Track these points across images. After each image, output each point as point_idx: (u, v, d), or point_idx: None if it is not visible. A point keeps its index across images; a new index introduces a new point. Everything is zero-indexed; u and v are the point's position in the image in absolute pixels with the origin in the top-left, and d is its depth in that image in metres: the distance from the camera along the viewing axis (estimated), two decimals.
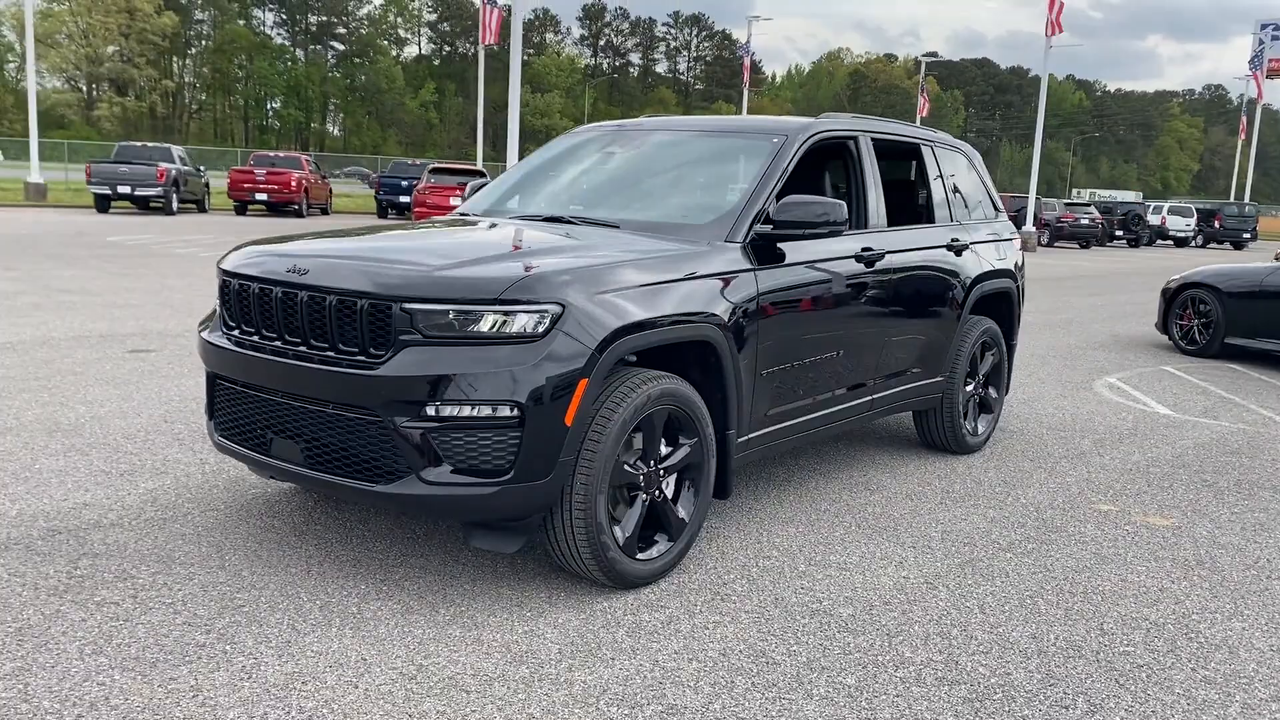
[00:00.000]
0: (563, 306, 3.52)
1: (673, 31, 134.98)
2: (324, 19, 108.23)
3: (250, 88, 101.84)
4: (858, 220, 5.14)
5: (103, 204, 27.07)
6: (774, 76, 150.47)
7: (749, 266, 4.28)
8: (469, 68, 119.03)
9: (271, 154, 33.37)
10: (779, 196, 4.57)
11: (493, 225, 4.67)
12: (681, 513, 4.02)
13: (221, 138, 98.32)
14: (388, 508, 3.81)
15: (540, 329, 3.48)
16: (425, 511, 3.71)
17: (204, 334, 4.13)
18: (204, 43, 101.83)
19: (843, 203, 4.50)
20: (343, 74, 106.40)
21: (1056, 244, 36.01)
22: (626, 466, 3.74)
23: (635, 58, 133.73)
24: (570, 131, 5.82)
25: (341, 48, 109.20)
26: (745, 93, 57.34)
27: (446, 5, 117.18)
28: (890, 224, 5.40)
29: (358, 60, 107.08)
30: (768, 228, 4.38)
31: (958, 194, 6.05)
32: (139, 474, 4.98)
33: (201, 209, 30.27)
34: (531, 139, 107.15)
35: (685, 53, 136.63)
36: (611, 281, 3.72)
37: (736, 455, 4.35)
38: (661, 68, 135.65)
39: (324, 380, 3.56)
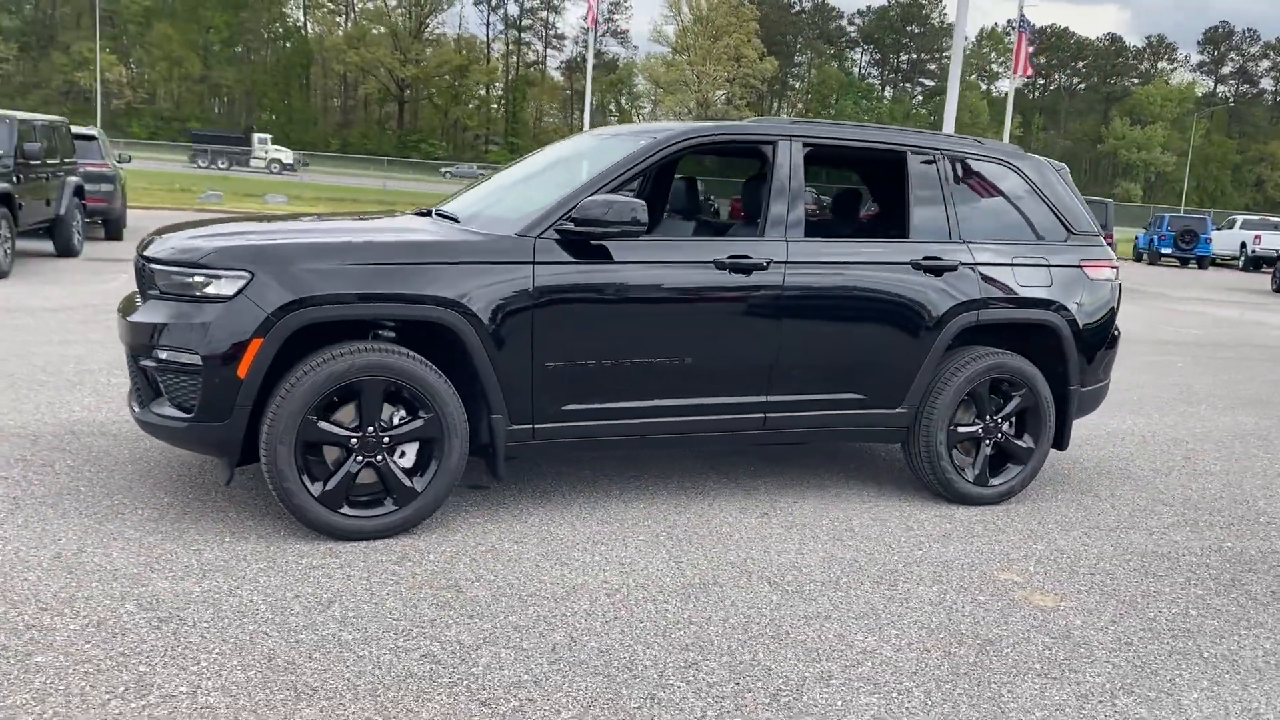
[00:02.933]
0: (251, 274, 4.08)
1: None
2: (915, 56, 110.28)
3: None
4: (757, 228, 4.91)
5: None
6: None
7: (524, 260, 4.42)
8: (1060, 99, 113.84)
9: None
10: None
11: (375, 216, 5.26)
12: (409, 481, 4.32)
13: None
14: (144, 431, 4.58)
15: (230, 292, 4.08)
16: (154, 436, 4.44)
17: None
18: (798, 84, 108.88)
19: (641, 203, 4.45)
20: (929, 110, 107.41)
21: None
22: (322, 425, 4.17)
23: (1268, 83, 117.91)
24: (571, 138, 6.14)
25: (930, 84, 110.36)
26: None
27: (1044, 37, 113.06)
28: (836, 235, 5.05)
29: (943, 96, 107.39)
30: (569, 225, 4.48)
31: (963, 208, 5.34)
32: None
33: None
34: (1126, 175, 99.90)
35: None
36: (315, 259, 4.18)
37: (511, 442, 4.51)
38: None
39: (127, 329, 4.45)
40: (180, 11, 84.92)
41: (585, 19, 41.02)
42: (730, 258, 4.76)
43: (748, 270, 4.78)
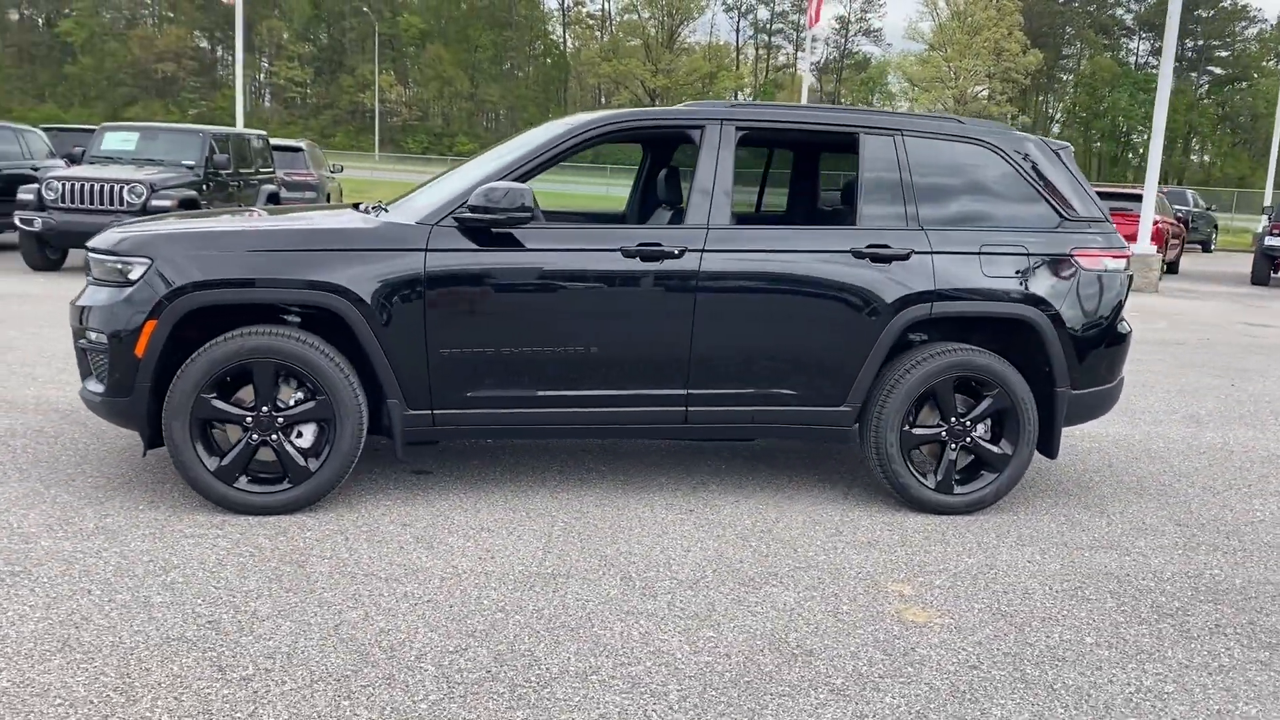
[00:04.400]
0: (151, 260, 4.39)
1: None
2: (1201, 43, 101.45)
3: (1106, 121, 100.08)
4: (680, 215, 4.77)
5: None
6: None
7: (415, 247, 4.51)
8: None
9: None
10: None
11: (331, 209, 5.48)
12: (303, 461, 4.50)
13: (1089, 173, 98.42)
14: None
15: (135, 277, 4.40)
16: (88, 409, 4.81)
17: None
18: (1066, 77, 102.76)
19: (528, 190, 4.44)
20: (1215, 101, 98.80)
21: None
22: (216, 403, 4.42)
23: None
24: None
25: (1220, 71, 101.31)
26: None
27: None
28: (784, 221, 4.85)
29: (1234, 85, 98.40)
30: (466, 213, 4.53)
31: (926, 193, 4.94)
32: None
33: (1206, 249, 30.08)
34: None
35: None
36: (206, 246, 4.44)
37: (410, 428, 4.61)
38: None
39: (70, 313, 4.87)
40: (451, 33, 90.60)
41: (808, 20, 40.54)
42: (639, 245, 4.64)
43: (657, 258, 4.64)
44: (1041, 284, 4.92)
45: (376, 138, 76.89)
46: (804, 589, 4.03)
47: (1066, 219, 5.06)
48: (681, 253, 4.65)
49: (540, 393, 4.67)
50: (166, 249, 4.41)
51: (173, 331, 4.37)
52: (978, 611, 3.91)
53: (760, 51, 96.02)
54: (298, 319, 4.66)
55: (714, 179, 4.79)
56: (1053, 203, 5.06)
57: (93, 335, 4.48)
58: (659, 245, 4.65)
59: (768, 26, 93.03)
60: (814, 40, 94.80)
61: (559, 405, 4.70)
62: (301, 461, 4.49)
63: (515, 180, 4.62)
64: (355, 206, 5.17)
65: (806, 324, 4.78)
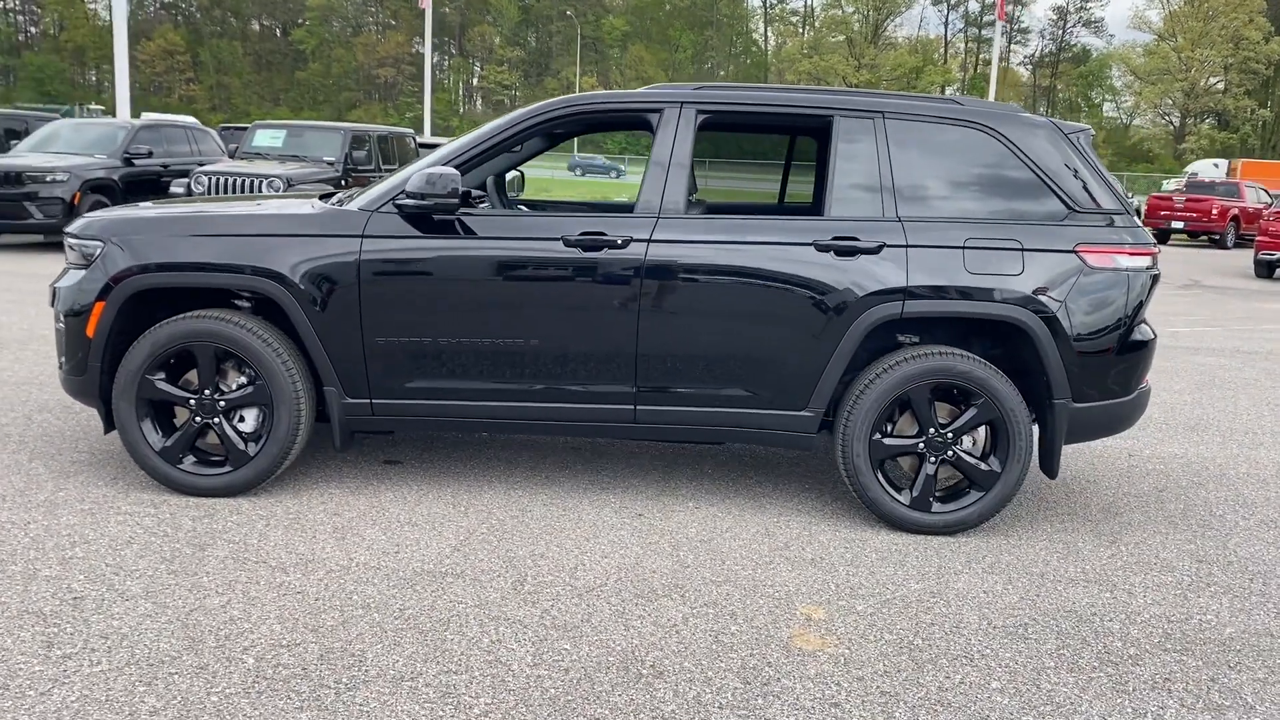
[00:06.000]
0: (103, 243, 4.52)
1: None
2: None
3: None
4: (645, 205, 4.52)
5: None
6: None
7: (351, 233, 4.45)
8: None
9: (1217, 181, 30.86)
10: (463, 171, 4.55)
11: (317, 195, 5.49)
12: (242, 445, 4.53)
13: None
14: None
15: (90, 259, 4.55)
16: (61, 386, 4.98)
17: None
18: None
19: (456, 174, 4.31)
20: None
21: None
22: (160, 385, 4.50)
23: None
24: None
25: None
26: None
27: None
28: (754, 211, 4.56)
29: None
30: (403, 199, 4.45)
31: (908, 181, 4.48)
32: None
33: None
34: None
35: None
36: (153, 230, 4.52)
37: (349, 416, 4.57)
38: None
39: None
40: (653, 33, 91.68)
41: (997, 12, 38.72)
42: (581, 234, 4.43)
43: (598, 247, 4.41)
44: (1036, 283, 4.40)
45: (575, 139, 78.68)
46: (701, 605, 3.72)
47: (1076, 211, 4.51)
48: (625, 243, 4.40)
49: (480, 385, 4.53)
50: (117, 233, 4.52)
51: (123, 313, 4.47)
52: (883, 644, 3.50)
53: (970, 45, 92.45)
54: (249, 305, 4.69)
55: (668, 165, 4.51)
56: (1060, 193, 4.51)
57: (61, 315, 4.65)
58: (602, 234, 4.42)
59: (978, 19, 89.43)
60: (1026, 33, 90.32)
61: (501, 399, 4.55)
62: (241, 446, 4.51)
63: (457, 166, 4.49)
64: (326, 196, 5.15)
65: (762, 321, 4.44)
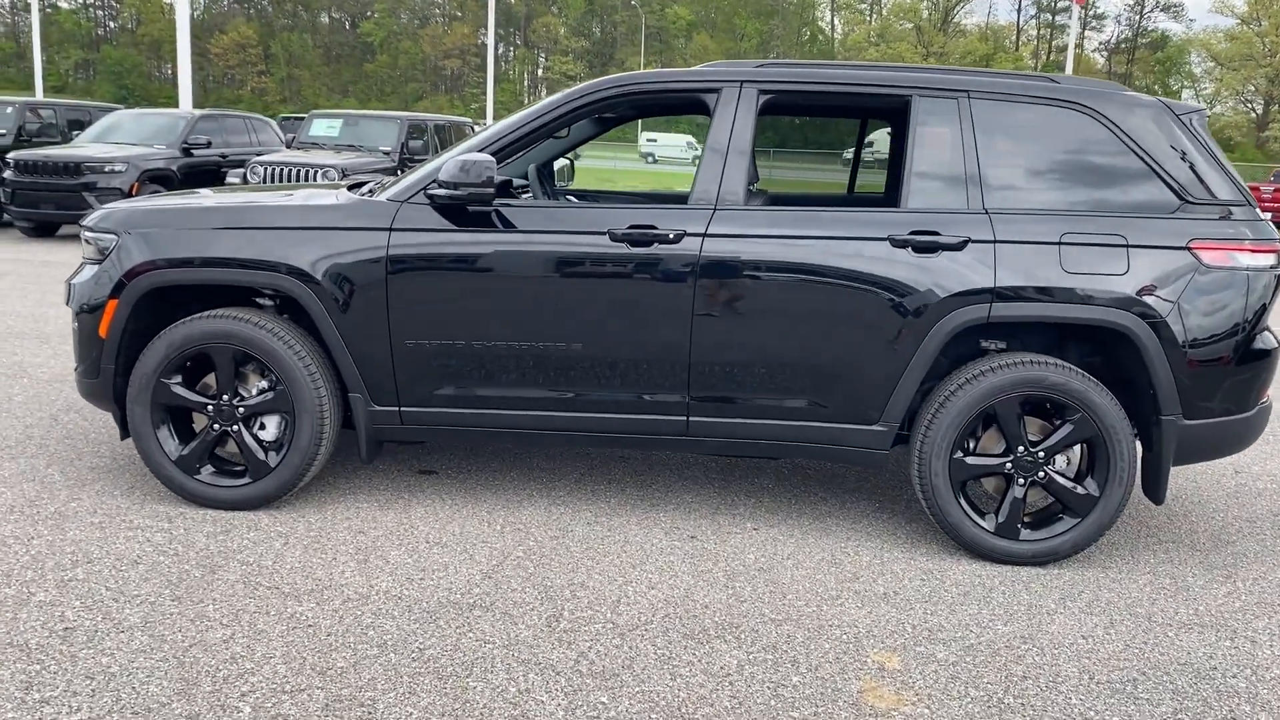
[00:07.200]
0: (117, 236, 4.20)
1: None
2: None
3: None
4: (700, 196, 4.09)
5: None
6: None
7: (379, 226, 4.08)
8: None
9: None
10: (501, 158, 4.17)
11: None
12: (262, 455, 4.19)
13: None
14: None
15: (104, 252, 4.23)
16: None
17: None
18: None
19: (491, 160, 3.91)
20: None
21: None
22: (176, 389, 4.18)
23: None
24: None
25: None
26: None
27: None
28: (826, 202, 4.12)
29: None
30: (435, 189, 4.06)
31: (997, 169, 3.99)
32: None
33: None
34: None
35: None
36: (168, 223, 4.19)
37: (376, 425, 4.21)
38: None
39: None
40: (718, 22, 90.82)
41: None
42: (630, 228, 4.00)
43: (648, 243, 3.99)
44: (1143, 284, 3.88)
45: (639, 128, 78.18)
46: (759, 650, 3.29)
47: (1189, 202, 3.97)
48: (678, 237, 3.97)
49: (518, 393, 4.14)
50: (133, 224, 4.20)
51: (140, 311, 4.17)
52: (968, 702, 3.04)
53: (1042, 31, 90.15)
54: (272, 303, 4.35)
55: (726, 151, 4.07)
56: (1171, 182, 3.98)
57: (74, 313, 4.35)
58: (652, 228, 3.99)
59: (1051, 4, 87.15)
60: (1101, 19, 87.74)
61: (539, 408, 4.15)
62: (261, 455, 4.18)
63: (494, 153, 4.10)
64: (355, 186, 4.78)
65: (830, 325, 3.98)
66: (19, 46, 72.75)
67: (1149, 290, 3.87)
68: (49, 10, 79.78)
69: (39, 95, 34.75)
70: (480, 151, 4.07)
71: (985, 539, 4.01)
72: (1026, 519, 4.05)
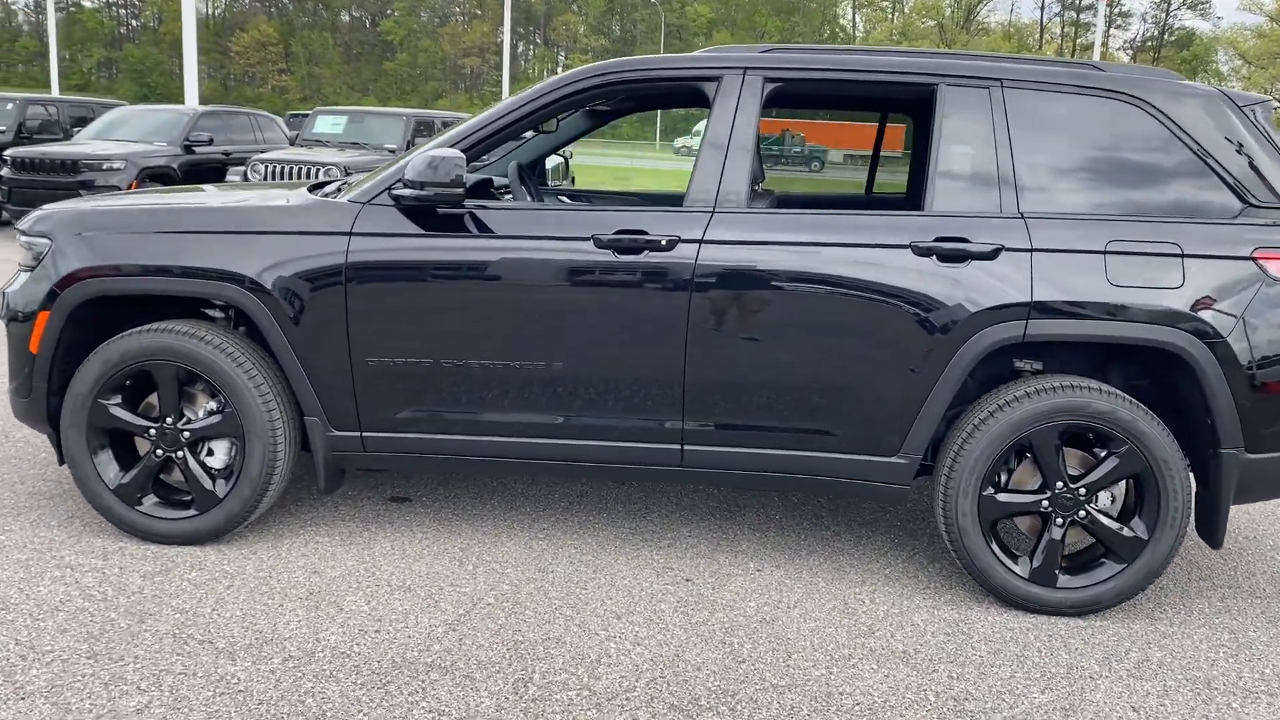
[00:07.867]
0: (51, 241, 3.79)
1: None
2: None
3: None
4: (697, 196, 3.64)
5: None
6: None
7: (338, 230, 3.65)
8: None
9: None
10: (473, 155, 3.73)
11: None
12: (209, 484, 3.77)
13: None
14: None
15: (39, 258, 3.82)
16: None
17: None
18: None
19: (460, 156, 3.47)
20: None
21: None
22: (113, 411, 3.76)
23: None
24: None
25: None
26: None
27: None
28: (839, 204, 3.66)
29: None
30: (400, 189, 3.63)
31: (1034, 167, 3.52)
32: None
33: None
34: None
35: None
36: (104, 226, 3.76)
37: (335, 452, 3.78)
38: None
39: None
40: (738, 20, 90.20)
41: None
42: (617, 233, 3.55)
43: (637, 250, 3.53)
44: (1200, 298, 3.39)
45: (658, 127, 77.62)
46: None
47: (1252, 205, 3.49)
48: (671, 243, 3.52)
49: (490, 418, 3.69)
50: (68, 228, 3.79)
51: (77, 324, 3.76)
52: None
53: (1066, 30, 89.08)
54: (224, 315, 3.92)
55: (727, 146, 3.61)
56: (1232, 183, 3.50)
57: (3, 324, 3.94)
58: (643, 233, 3.53)
59: (1076, 2, 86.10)
60: (1127, 16, 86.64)
61: (515, 434, 3.71)
62: (208, 484, 3.76)
63: (465, 150, 3.66)
64: (317, 186, 4.33)
65: (843, 343, 3.52)
66: (42, 45, 72.92)
67: (1207, 305, 3.39)
68: (72, 9, 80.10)
69: (55, 93, 34.61)
70: (451, 147, 3.63)
71: (1018, 586, 3.54)
72: (1064, 564, 3.59)
